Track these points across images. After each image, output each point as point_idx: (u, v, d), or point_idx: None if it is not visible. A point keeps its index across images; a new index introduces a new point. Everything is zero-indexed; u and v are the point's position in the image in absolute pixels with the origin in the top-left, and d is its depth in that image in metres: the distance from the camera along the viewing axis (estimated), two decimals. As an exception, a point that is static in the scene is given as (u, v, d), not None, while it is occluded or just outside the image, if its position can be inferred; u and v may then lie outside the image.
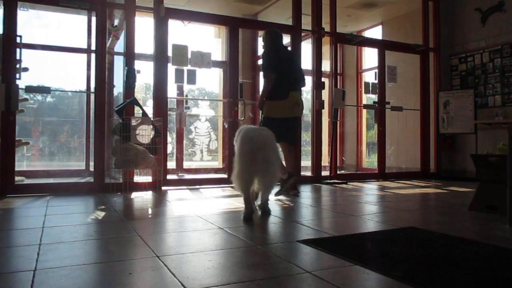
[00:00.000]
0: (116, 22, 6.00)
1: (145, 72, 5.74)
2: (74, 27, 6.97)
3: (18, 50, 4.38)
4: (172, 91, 6.22)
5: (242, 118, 5.54)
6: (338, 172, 6.35)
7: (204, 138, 7.44)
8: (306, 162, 6.47)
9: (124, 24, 4.99)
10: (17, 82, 4.33)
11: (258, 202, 3.28)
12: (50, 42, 6.36)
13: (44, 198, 4.04)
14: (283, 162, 4.26)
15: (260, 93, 4.48)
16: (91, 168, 5.79)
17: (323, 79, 6.08)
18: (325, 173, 6.26)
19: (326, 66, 6.56)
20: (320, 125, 5.97)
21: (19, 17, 4.38)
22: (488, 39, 6.29)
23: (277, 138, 3.64)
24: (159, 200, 4.01)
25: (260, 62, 7.77)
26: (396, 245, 2.23)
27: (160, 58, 5.00)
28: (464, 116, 6.25)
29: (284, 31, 6.29)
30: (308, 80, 6.26)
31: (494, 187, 3.26)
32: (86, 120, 6.56)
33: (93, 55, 5.17)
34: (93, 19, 5.69)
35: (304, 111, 4.60)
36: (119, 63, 5.63)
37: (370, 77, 8.06)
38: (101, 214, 3.20)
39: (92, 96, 5.23)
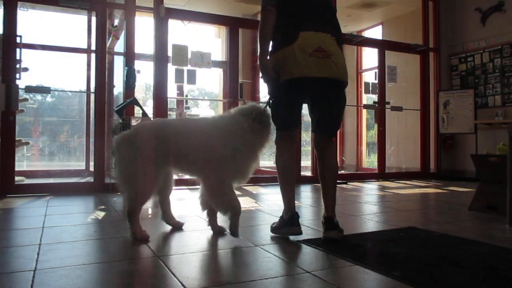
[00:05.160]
0: (116, 22, 6.01)
1: (145, 72, 5.75)
2: (74, 27, 6.97)
3: (18, 50, 4.38)
4: (172, 91, 6.22)
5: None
6: (338, 172, 6.35)
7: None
8: (306, 162, 6.47)
9: (124, 24, 4.99)
10: (17, 82, 4.33)
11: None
12: (50, 42, 6.36)
13: (44, 198, 4.04)
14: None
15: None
16: (91, 168, 5.79)
17: (323, 79, 6.06)
18: (325, 173, 6.24)
19: (326, 66, 6.54)
20: (320, 125, 5.95)
21: (19, 17, 4.38)
22: (488, 39, 6.29)
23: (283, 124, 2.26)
24: (159, 200, 4.00)
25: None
26: (396, 245, 2.23)
27: (160, 58, 4.99)
28: (464, 116, 6.24)
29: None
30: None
31: (494, 187, 3.26)
32: (86, 120, 6.56)
33: (93, 55, 5.17)
34: (93, 19, 5.69)
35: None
36: (119, 63, 5.64)
37: (370, 77, 8.06)
38: (101, 214, 3.20)
39: (92, 96, 5.23)
